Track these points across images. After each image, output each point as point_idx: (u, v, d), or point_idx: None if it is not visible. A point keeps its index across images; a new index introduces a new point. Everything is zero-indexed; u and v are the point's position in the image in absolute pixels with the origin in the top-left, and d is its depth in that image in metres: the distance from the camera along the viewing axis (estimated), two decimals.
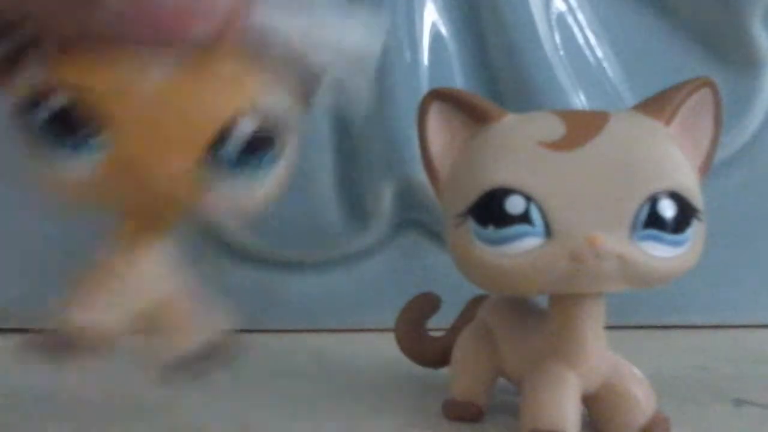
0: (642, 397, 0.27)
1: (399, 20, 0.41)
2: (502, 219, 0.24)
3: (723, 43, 0.42)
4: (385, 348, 0.35)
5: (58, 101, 0.22)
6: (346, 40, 0.25)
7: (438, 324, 0.34)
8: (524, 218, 0.24)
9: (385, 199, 0.42)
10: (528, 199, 0.24)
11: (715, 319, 0.43)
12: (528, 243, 0.24)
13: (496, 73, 0.43)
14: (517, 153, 0.25)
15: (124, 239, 0.26)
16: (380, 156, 0.41)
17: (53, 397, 0.33)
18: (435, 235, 0.43)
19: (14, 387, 0.34)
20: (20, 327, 0.43)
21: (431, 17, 0.42)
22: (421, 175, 0.39)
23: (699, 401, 0.32)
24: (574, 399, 0.26)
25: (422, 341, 0.34)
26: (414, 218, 0.43)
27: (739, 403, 0.31)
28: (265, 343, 0.29)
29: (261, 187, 0.24)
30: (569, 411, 0.26)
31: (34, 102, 0.23)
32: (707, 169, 0.27)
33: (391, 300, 0.35)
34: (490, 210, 0.25)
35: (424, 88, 0.41)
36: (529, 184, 0.24)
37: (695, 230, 0.25)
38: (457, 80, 0.42)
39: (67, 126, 0.22)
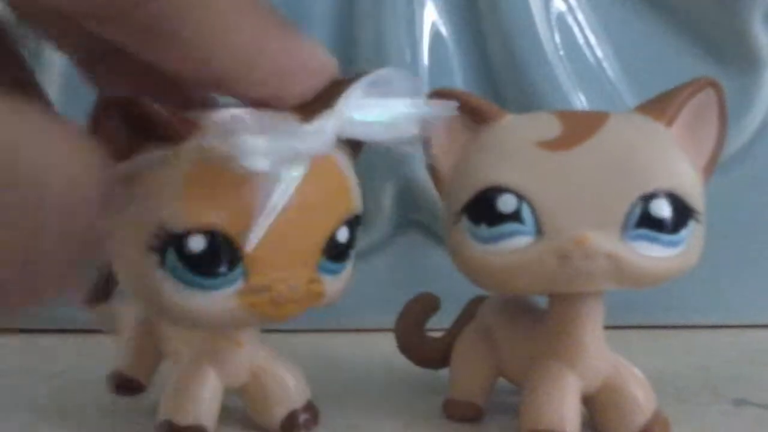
0: (642, 397, 0.27)
1: (399, 20, 0.41)
2: (494, 217, 0.25)
3: (723, 43, 0.42)
4: (385, 348, 0.35)
5: (196, 243, 0.22)
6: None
7: (438, 324, 0.34)
8: (515, 217, 0.24)
9: (385, 199, 0.42)
10: (520, 198, 0.24)
11: (715, 319, 0.43)
12: (518, 241, 0.24)
13: (496, 73, 0.43)
14: (512, 152, 0.25)
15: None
16: (380, 156, 0.41)
17: (53, 397, 0.33)
18: (435, 235, 0.43)
19: (14, 387, 0.34)
20: (20, 327, 0.43)
21: (431, 17, 0.42)
22: (422, 175, 0.39)
23: (699, 401, 0.32)
24: (574, 399, 0.26)
25: (422, 341, 0.34)
26: (414, 218, 0.43)
27: (739, 403, 0.31)
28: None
29: (347, 275, 0.25)
30: (569, 411, 0.26)
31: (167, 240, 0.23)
32: (712, 170, 0.26)
33: (391, 300, 0.35)
34: (483, 208, 0.25)
35: (424, 88, 0.41)
36: (522, 183, 0.24)
37: (692, 231, 0.25)
38: (457, 80, 0.42)
39: (210, 265, 0.23)
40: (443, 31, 0.43)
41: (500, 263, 0.25)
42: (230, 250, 0.23)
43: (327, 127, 0.23)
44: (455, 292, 0.32)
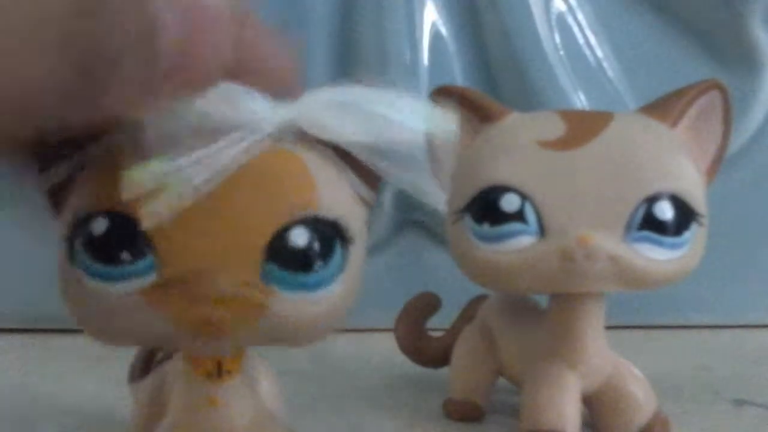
0: (642, 397, 0.27)
1: (399, 20, 0.41)
2: (497, 217, 0.24)
3: (723, 43, 0.42)
4: (385, 348, 0.35)
5: (99, 225, 0.19)
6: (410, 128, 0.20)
7: (438, 324, 0.34)
8: (518, 216, 0.24)
9: (385, 199, 0.42)
10: (523, 197, 0.24)
11: (715, 319, 0.43)
12: (521, 241, 0.24)
13: (496, 73, 0.43)
14: (515, 152, 0.25)
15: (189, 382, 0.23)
16: None
17: (52, 397, 0.33)
18: (435, 235, 0.43)
19: (14, 387, 0.34)
20: (20, 327, 0.43)
21: (431, 17, 0.42)
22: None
23: (699, 401, 0.32)
24: (574, 399, 0.26)
25: (422, 341, 0.34)
26: (414, 218, 0.43)
27: (739, 403, 0.31)
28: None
29: (328, 300, 0.20)
30: (569, 411, 0.26)
31: (76, 227, 0.20)
32: (715, 172, 0.26)
33: (391, 300, 0.35)
34: (486, 207, 0.25)
35: (424, 88, 0.41)
36: (525, 183, 0.24)
37: (694, 234, 0.25)
38: (457, 80, 0.42)
39: (111, 250, 0.19)
40: (443, 31, 0.43)
41: (502, 263, 0.24)
42: (135, 233, 0.19)
43: (268, 113, 0.19)
44: (455, 292, 0.32)
